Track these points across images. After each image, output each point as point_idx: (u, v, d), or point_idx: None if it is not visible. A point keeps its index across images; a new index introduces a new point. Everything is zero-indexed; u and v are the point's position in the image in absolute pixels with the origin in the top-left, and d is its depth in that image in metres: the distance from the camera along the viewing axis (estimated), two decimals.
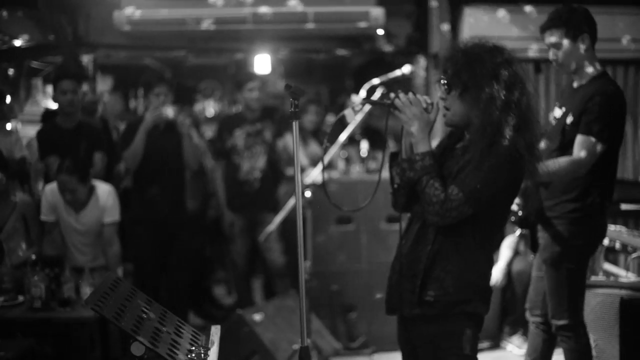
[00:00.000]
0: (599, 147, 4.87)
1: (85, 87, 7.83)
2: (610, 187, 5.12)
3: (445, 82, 3.64)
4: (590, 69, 4.99)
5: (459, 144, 3.74)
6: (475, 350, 3.70)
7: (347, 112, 3.86)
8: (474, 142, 3.55)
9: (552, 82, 7.99)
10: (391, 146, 8.18)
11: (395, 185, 3.81)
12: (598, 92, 4.88)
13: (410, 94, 3.69)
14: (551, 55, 5.10)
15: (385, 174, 3.93)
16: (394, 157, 3.84)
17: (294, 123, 3.56)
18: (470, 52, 3.61)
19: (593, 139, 4.85)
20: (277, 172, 8.37)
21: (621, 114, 5.02)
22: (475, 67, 3.54)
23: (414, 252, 3.68)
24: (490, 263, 3.73)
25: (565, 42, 4.97)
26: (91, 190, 6.65)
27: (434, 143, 3.74)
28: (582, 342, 5.18)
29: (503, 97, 3.50)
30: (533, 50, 7.82)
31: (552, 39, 5.02)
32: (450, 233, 3.58)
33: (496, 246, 3.80)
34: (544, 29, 5.06)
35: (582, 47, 4.97)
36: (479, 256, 3.63)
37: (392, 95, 3.71)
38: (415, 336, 3.73)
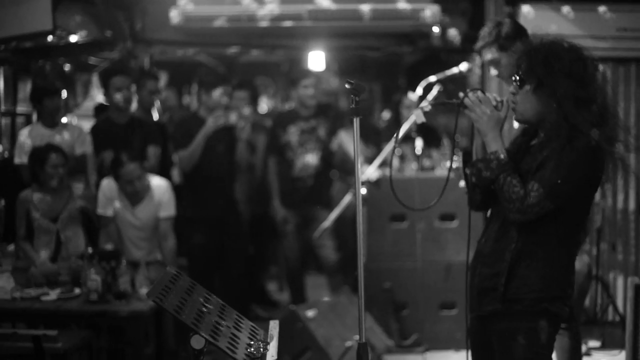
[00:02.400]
0: None
1: (152, 85, 7.87)
2: None
3: (518, 77, 3.63)
4: None
5: (534, 140, 3.72)
6: (551, 350, 3.71)
7: (417, 113, 3.85)
8: (552, 138, 3.53)
9: (608, 81, 7.90)
10: (445, 144, 8.14)
11: (471, 185, 3.80)
12: None
13: (480, 93, 3.69)
14: (492, 72, 5.17)
15: (441, 172, 3.92)
16: (467, 156, 3.84)
17: (354, 119, 3.56)
18: (545, 48, 3.60)
19: None
20: (331, 169, 8.38)
21: None
22: (550, 63, 3.54)
23: (496, 251, 3.68)
24: (573, 260, 3.72)
25: (501, 56, 4.99)
26: (147, 184, 6.70)
27: (506, 141, 3.73)
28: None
29: (579, 94, 3.49)
30: (589, 49, 7.72)
31: (488, 56, 5.08)
32: (534, 231, 3.58)
33: (580, 243, 3.81)
34: (479, 50, 5.12)
35: (515, 57, 4.97)
36: (562, 254, 3.62)
37: (461, 94, 3.71)
38: (494, 332, 3.72)
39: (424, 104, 3.79)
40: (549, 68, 3.54)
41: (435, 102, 3.80)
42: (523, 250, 3.60)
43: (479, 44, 5.12)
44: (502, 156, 3.59)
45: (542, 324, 3.62)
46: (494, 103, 3.67)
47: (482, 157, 3.67)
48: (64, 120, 7.98)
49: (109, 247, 6.32)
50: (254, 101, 9.19)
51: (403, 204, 4.08)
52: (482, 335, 3.81)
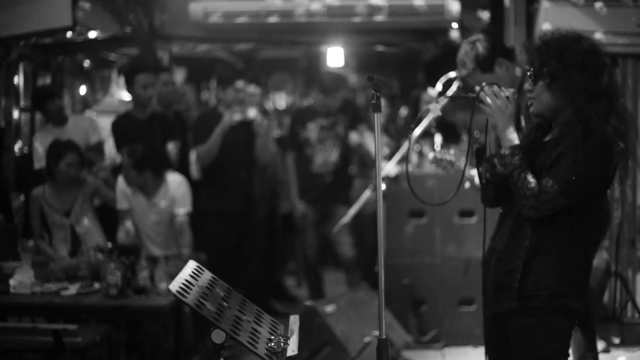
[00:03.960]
0: None
1: (166, 77, 7.90)
2: None
3: (532, 72, 3.61)
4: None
5: (548, 136, 3.70)
6: (568, 346, 3.69)
7: (432, 107, 3.83)
8: (566, 134, 3.51)
9: (629, 77, 7.86)
10: (464, 140, 8.13)
11: (484, 181, 3.79)
12: None
13: (495, 87, 3.66)
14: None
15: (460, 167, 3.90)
16: (480, 152, 3.82)
17: (375, 115, 3.55)
18: (558, 42, 3.57)
19: None
20: (349, 165, 8.39)
21: None
22: (563, 57, 3.51)
23: (510, 248, 3.65)
24: (590, 256, 3.69)
25: (486, 77, 4.90)
26: (161, 180, 6.73)
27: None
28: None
29: (592, 87, 3.48)
30: (610, 44, 7.68)
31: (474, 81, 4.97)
32: (548, 227, 3.55)
33: (598, 240, 3.74)
34: (464, 79, 5.07)
35: (500, 72, 4.94)
36: (577, 249, 3.59)
37: (477, 88, 3.69)
38: (511, 329, 3.69)
39: (440, 97, 3.77)
40: (562, 62, 3.51)
41: (452, 96, 3.80)
42: (538, 247, 3.57)
43: (462, 72, 5.04)
44: (516, 152, 3.56)
45: (559, 320, 3.60)
46: (507, 95, 3.65)
47: (496, 153, 3.65)
48: (87, 113, 8.05)
49: (126, 241, 6.35)
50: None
51: (421, 199, 4.07)
52: (498, 332, 3.78)
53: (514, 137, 3.61)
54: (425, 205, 7.14)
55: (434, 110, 3.89)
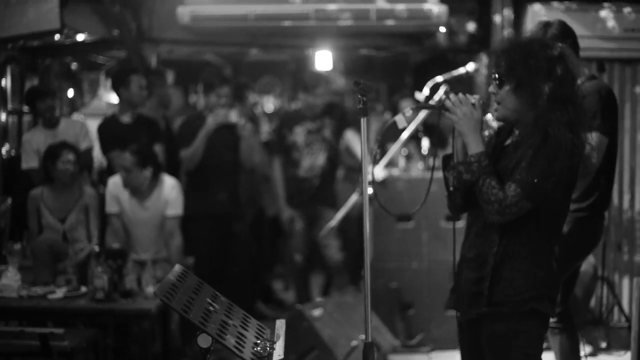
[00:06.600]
0: (603, 141, 4.89)
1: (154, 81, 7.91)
2: (608, 192, 5.17)
3: (498, 76, 3.62)
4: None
5: (508, 140, 3.73)
6: (540, 351, 3.69)
7: (398, 118, 3.79)
8: (527, 137, 3.53)
9: (615, 81, 7.90)
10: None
11: (451, 188, 3.79)
12: (591, 92, 4.86)
13: (460, 94, 3.67)
14: None
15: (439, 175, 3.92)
16: (447, 159, 3.83)
17: (362, 120, 3.56)
18: (525, 47, 3.59)
19: (596, 134, 4.85)
20: (337, 169, 8.39)
21: (615, 109, 5.11)
22: (529, 62, 3.52)
23: (479, 256, 3.67)
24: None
25: None
26: (156, 182, 6.73)
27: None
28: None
29: (556, 93, 3.49)
30: (597, 49, 7.71)
31: None
32: (516, 232, 3.57)
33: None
34: None
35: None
36: (546, 252, 3.62)
37: (442, 96, 3.71)
38: (483, 335, 3.71)
39: (406, 109, 3.76)
40: (528, 67, 3.52)
41: (417, 107, 3.76)
42: (506, 252, 3.60)
43: None
44: (482, 158, 3.57)
45: (530, 325, 3.61)
46: (473, 102, 3.65)
47: (462, 160, 3.65)
48: (76, 116, 8.01)
49: (114, 245, 6.35)
50: (240, 99, 9.13)
51: (388, 210, 4.08)
52: (472, 338, 3.80)
53: (480, 144, 3.61)
54: (412, 208, 7.13)
55: (400, 122, 3.85)
